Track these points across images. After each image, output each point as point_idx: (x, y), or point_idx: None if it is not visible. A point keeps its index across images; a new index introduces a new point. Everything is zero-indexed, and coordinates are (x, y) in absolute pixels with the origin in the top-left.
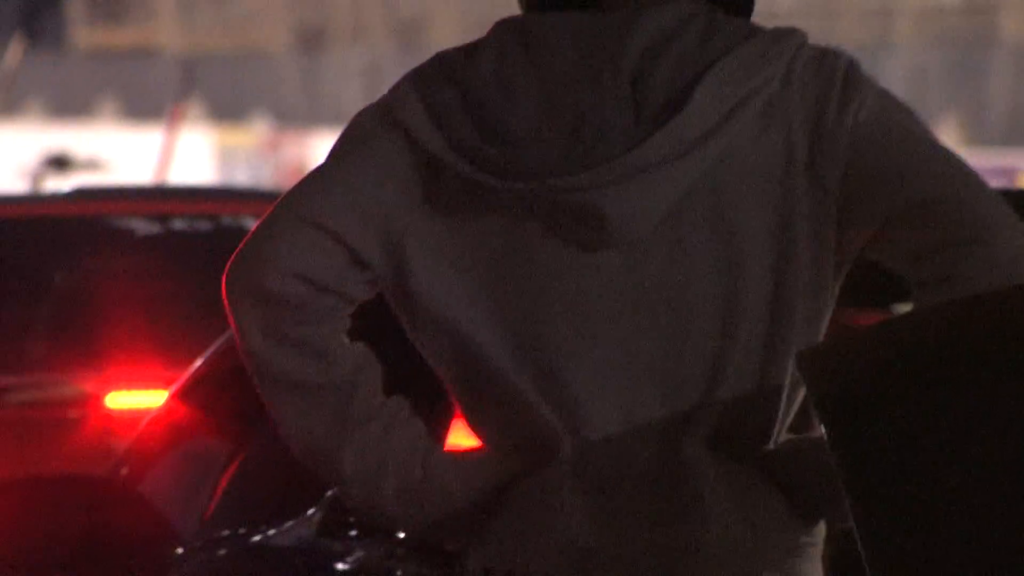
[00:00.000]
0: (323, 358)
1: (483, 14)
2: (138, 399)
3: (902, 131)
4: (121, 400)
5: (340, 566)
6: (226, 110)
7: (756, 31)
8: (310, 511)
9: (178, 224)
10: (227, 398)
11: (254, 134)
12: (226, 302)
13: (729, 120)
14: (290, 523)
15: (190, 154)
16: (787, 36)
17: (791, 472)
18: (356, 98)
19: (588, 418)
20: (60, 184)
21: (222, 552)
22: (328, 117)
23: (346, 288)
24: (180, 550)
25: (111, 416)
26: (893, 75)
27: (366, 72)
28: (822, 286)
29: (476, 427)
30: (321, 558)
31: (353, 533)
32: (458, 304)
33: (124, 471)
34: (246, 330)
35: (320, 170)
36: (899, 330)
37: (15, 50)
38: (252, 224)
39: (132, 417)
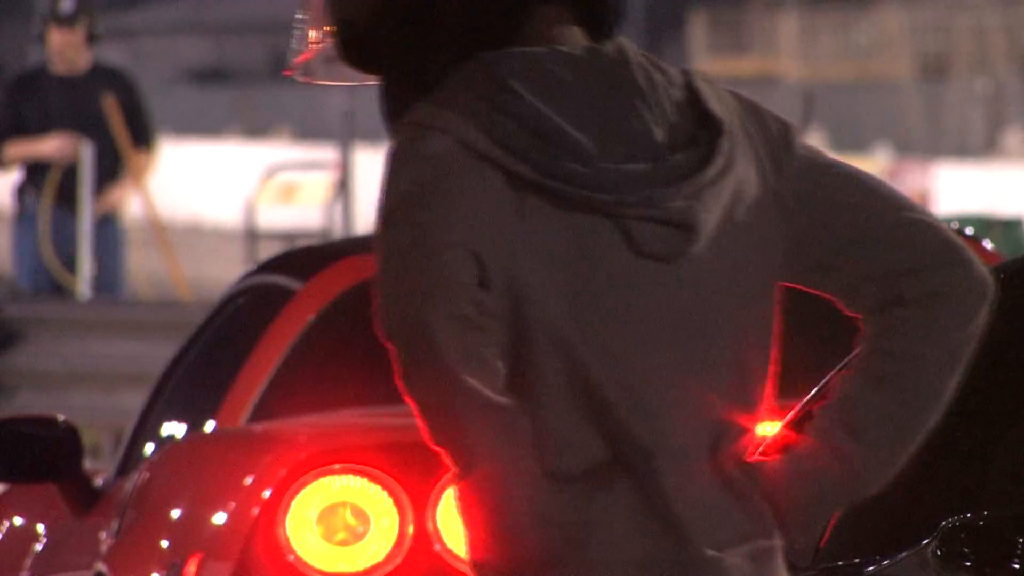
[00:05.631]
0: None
1: None
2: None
3: (843, 164)
4: None
5: None
6: (846, 139)
7: (677, 68)
8: (924, 541)
9: None
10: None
11: (875, 163)
12: (413, 332)
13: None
14: (904, 553)
15: None
16: (704, 74)
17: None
18: (978, 127)
19: (670, 430)
20: None
21: None
22: (950, 147)
23: (485, 309)
24: None
25: None
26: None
27: (989, 101)
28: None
29: (570, 445)
30: None
31: (968, 564)
32: (564, 319)
33: None
34: (447, 357)
35: (425, 201)
36: None
37: None
38: None
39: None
